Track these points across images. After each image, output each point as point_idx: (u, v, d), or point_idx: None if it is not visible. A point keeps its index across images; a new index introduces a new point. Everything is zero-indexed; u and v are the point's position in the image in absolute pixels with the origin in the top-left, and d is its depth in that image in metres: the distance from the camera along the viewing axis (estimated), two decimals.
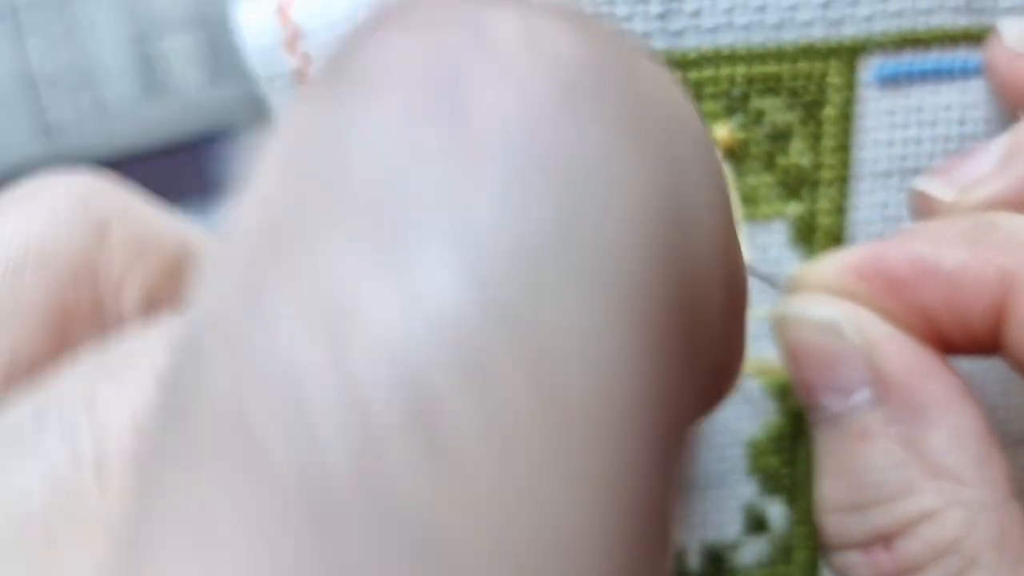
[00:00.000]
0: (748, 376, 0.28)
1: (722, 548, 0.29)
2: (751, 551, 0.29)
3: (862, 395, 0.23)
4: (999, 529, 0.22)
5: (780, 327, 0.24)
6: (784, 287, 0.26)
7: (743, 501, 0.29)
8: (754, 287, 0.27)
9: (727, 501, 0.29)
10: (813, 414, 0.24)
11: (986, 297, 0.22)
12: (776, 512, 0.29)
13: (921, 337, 0.23)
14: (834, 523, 0.24)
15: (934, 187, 0.25)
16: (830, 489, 0.23)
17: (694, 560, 0.29)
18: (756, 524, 0.29)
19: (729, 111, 0.26)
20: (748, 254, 0.27)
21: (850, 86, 0.26)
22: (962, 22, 0.26)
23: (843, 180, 0.27)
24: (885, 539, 0.23)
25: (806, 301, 0.24)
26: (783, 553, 0.29)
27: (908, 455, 0.22)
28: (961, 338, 0.22)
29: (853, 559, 0.23)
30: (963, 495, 0.22)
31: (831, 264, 0.24)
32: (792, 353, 0.24)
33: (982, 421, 0.22)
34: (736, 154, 0.27)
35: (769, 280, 0.26)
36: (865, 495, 0.23)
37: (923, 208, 0.25)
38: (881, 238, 0.28)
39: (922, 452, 0.22)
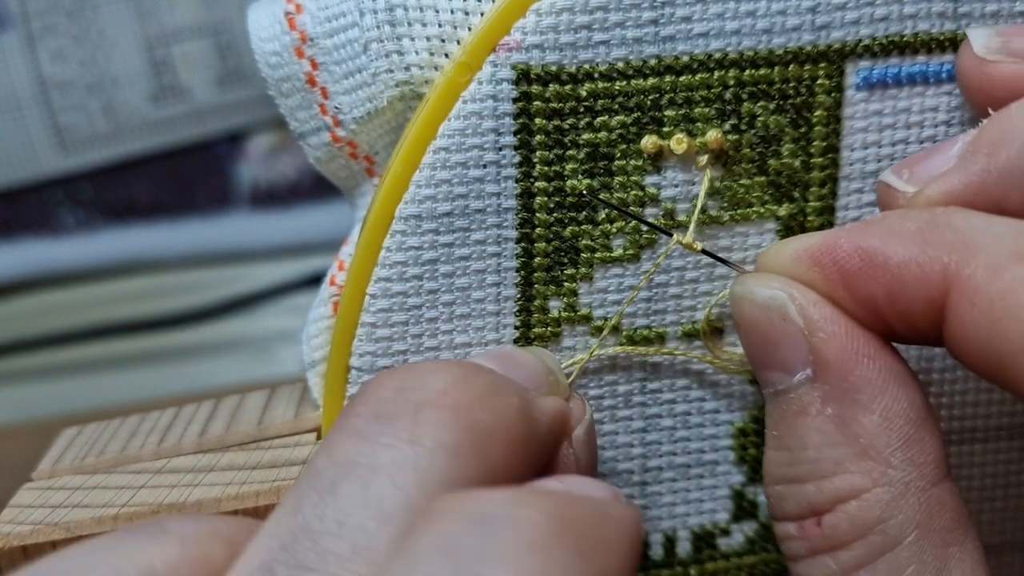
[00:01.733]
0: (734, 370, 0.29)
1: (712, 534, 0.30)
2: (740, 536, 0.30)
3: (803, 374, 0.23)
4: (925, 511, 0.23)
5: (733, 304, 0.25)
6: (740, 268, 0.27)
7: (733, 488, 0.30)
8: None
9: (718, 489, 0.30)
10: (763, 389, 0.25)
11: (928, 293, 0.22)
12: (764, 499, 0.30)
13: (868, 325, 0.24)
14: (774, 495, 0.24)
15: (896, 180, 0.26)
16: (773, 462, 0.24)
17: (684, 546, 0.30)
18: (745, 510, 0.30)
19: (721, 115, 0.27)
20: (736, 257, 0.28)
21: (839, 89, 0.27)
22: (948, 27, 0.27)
23: (832, 180, 0.28)
24: (817, 514, 0.23)
25: (755, 280, 0.25)
26: (771, 538, 0.30)
27: (841, 434, 0.23)
28: (904, 329, 0.23)
29: (789, 531, 0.24)
30: (889, 476, 0.23)
31: (790, 248, 0.24)
32: (741, 329, 0.25)
33: (916, 406, 0.23)
34: (729, 157, 0.27)
35: (731, 264, 0.27)
36: (800, 470, 0.24)
37: (886, 199, 0.26)
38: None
39: (854, 432, 0.23)
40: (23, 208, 0.57)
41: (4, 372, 0.55)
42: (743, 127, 0.27)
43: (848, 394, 0.23)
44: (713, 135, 0.27)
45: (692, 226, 0.27)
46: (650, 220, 0.27)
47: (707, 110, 0.27)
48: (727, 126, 0.27)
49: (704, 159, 0.27)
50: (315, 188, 0.57)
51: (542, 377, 0.26)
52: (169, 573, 0.19)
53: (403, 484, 0.19)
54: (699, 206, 0.27)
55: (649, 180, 0.27)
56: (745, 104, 0.27)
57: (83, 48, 0.55)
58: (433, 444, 0.20)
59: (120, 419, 0.31)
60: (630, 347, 0.28)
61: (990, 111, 0.25)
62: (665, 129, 0.27)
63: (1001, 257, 0.22)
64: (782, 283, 0.24)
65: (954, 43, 0.27)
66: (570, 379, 0.28)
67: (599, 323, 0.28)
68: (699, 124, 0.27)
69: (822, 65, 0.27)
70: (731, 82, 0.27)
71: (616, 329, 0.28)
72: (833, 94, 0.27)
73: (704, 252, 0.27)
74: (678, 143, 0.27)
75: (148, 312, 0.56)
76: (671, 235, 0.27)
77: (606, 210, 0.27)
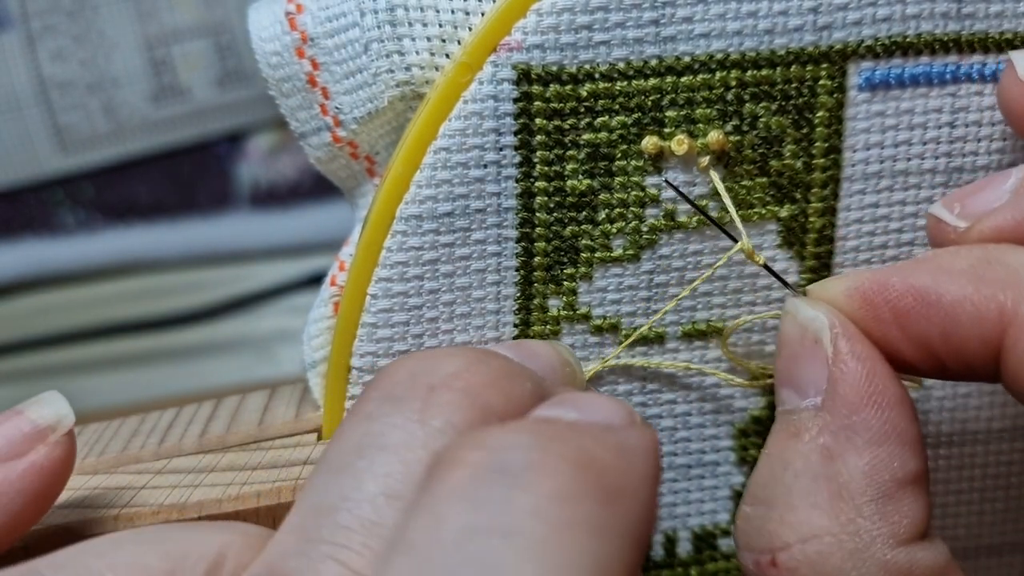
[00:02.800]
0: (739, 373, 0.29)
1: (713, 534, 0.30)
2: None
3: (813, 401, 0.23)
4: (892, 571, 0.22)
5: (782, 316, 0.25)
6: (794, 288, 0.27)
7: (734, 489, 0.30)
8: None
9: (718, 490, 0.30)
10: (776, 407, 0.25)
11: (984, 332, 0.22)
12: None
13: (920, 365, 0.23)
14: (743, 517, 0.24)
15: (947, 214, 0.25)
16: (754, 480, 0.24)
17: (685, 546, 0.30)
18: None
19: (723, 116, 0.27)
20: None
21: (841, 90, 0.27)
22: (952, 28, 0.27)
23: (835, 181, 0.28)
24: (774, 550, 0.23)
25: (804, 300, 0.25)
26: None
27: (822, 467, 0.23)
28: (959, 367, 0.23)
29: (748, 566, 0.24)
30: (856, 525, 0.22)
31: (842, 284, 0.24)
32: (778, 342, 0.25)
33: (907, 469, 0.23)
34: (730, 158, 0.27)
35: (782, 279, 0.27)
36: (774, 491, 0.23)
37: (936, 232, 0.25)
38: (871, 239, 0.28)
39: (836, 469, 0.23)
40: (23, 208, 0.57)
41: (4, 372, 0.55)
42: (745, 128, 0.27)
43: (845, 432, 0.23)
44: (714, 136, 0.27)
45: (743, 237, 0.27)
46: (723, 226, 0.27)
47: (708, 111, 0.27)
48: (728, 127, 0.27)
49: (705, 160, 0.27)
50: (315, 188, 0.57)
51: (558, 368, 0.26)
52: (235, 556, 0.20)
53: (412, 462, 0.19)
54: (730, 206, 0.27)
55: (650, 181, 0.27)
56: (747, 105, 0.27)
57: (83, 48, 0.55)
58: (443, 424, 0.20)
59: (120, 419, 0.31)
60: (631, 351, 0.28)
61: None
62: (666, 130, 0.27)
63: None
64: (827, 310, 0.24)
65: (958, 44, 0.27)
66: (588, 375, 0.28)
67: (598, 322, 0.28)
68: (700, 125, 0.27)
69: (824, 66, 0.27)
70: (732, 83, 0.27)
71: (615, 329, 0.28)
72: (835, 95, 0.27)
73: (765, 267, 0.27)
74: (679, 144, 0.27)
75: (148, 312, 0.56)
76: (737, 241, 0.27)
77: (606, 210, 0.27)
